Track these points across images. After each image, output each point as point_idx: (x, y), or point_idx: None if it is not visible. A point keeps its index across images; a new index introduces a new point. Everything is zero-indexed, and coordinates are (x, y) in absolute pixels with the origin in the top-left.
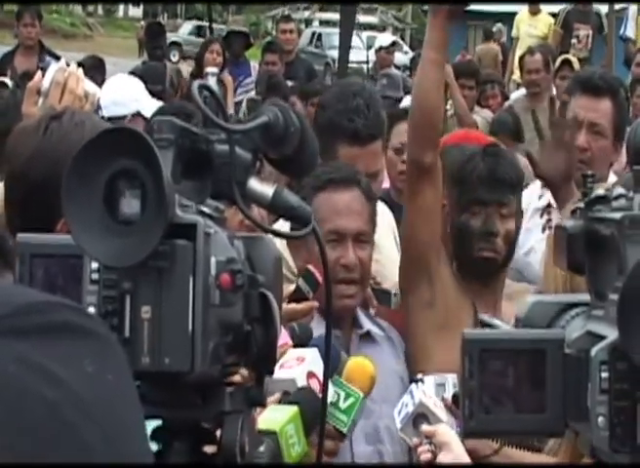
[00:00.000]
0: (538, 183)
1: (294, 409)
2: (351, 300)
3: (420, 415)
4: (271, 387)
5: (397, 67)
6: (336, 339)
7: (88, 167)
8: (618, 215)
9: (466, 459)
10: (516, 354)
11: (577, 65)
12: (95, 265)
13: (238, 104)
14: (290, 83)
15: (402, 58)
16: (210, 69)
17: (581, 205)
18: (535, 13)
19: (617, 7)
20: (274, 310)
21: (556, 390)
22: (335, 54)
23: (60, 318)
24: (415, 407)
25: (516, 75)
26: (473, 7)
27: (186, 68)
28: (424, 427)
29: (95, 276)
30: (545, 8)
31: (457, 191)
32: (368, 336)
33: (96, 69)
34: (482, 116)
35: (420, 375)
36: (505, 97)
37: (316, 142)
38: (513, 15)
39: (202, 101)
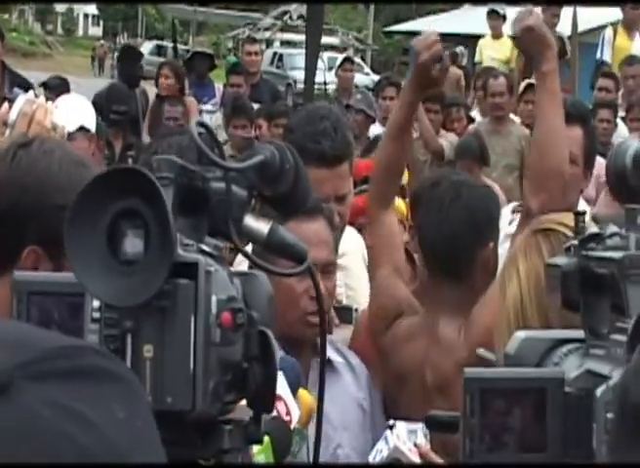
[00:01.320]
0: (508, 208)
1: (265, 439)
2: (315, 330)
3: (395, 460)
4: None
5: (356, 87)
6: (294, 364)
7: (91, 206)
8: (617, 255)
9: None
10: (517, 393)
11: None
12: (96, 304)
13: None
14: (255, 105)
15: (363, 78)
16: (204, 106)
17: (575, 242)
18: (497, 37)
19: (580, 29)
20: (273, 348)
21: (556, 429)
22: (296, 74)
23: (87, 362)
24: (390, 451)
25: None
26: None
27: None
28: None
29: (96, 314)
30: (508, 31)
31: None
32: (328, 364)
33: (60, 89)
34: (448, 140)
35: (391, 422)
36: (471, 120)
37: (308, 180)
38: (474, 37)
39: (199, 139)
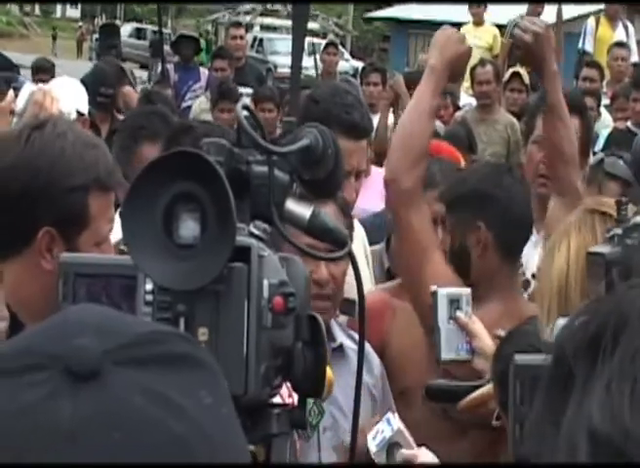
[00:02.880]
0: None
1: None
2: (323, 316)
3: (395, 444)
4: None
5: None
6: None
7: (148, 189)
8: None
9: None
10: None
11: (526, 78)
12: (149, 287)
13: (187, 109)
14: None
15: (343, 64)
16: (243, 89)
17: (618, 231)
18: (479, 24)
19: (565, 17)
20: (323, 333)
21: None
22: (276, 59)
23: (174, 348)
24: (393, 433)
25: (465, 86)
26: (415, 16)
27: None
28: (404, 451)
29: (149, 297)
30: (489, 18)
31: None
32: (339, 349)
33: (46, 71)
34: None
35: (433, 288)
36: (457, 108)
37: (344, 166)
38: (455, 25)
39: (245, 121)
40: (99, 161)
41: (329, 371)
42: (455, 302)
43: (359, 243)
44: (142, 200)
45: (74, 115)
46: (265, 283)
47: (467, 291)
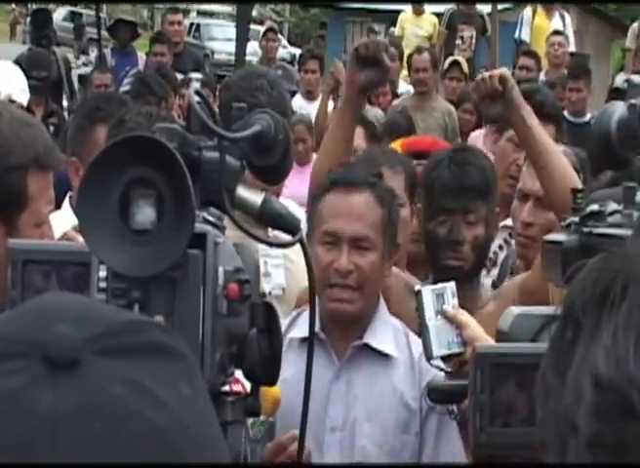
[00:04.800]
0: None
1: None
2: (345, 305)
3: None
4: None
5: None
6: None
7: (103, 174)
8: (622, 232)
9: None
10: (526, 368)
11: (465, 67)
12: (102, 274)
13: (125, 94)
14: (178, 75)
15: (281, 51)
16: (194, 75)
17: (575, 219)
18: (419, 13)
19: (499, 7)
20: (278, 320)
21: None
22: (214, 45)
23: (152, 338)
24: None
25: (403, 73)
26: (353, 3)
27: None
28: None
29: (102, 284)
30: (429, 8)
31: (425, 199)
32: (385, 357)
33: None
34: (371, 114)
35: (417, 287)
36: (395, 95)
37: (293, 152)
38: (392, 13)
39: (198, 107)
40: (36, 140)
41: (276, 390)
42: (440, 297)
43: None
44: (98, 185)
45: (18, 96)
46: (221, 270)
47: (451, 284)
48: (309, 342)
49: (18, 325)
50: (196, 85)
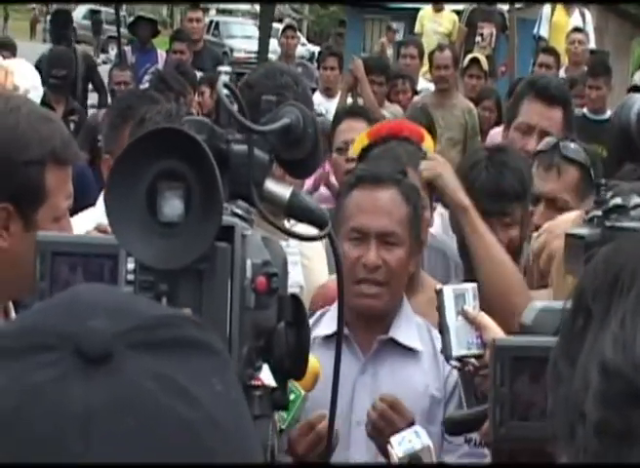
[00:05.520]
0: None
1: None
2: (372, 301)
3: (418, 457)
4: None
5: None
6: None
7: (131, 166)
8: None
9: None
10: (546, 362)
11: (485, 64)
12: (130, 266)
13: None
14: (198, 73)
15: (300, 49)
16: (223, 68)
17: (598, 213)
18: (438, 10)
19: (517, 5)
20: (305, 313)
21: None
22: (233, 43)
23: (186, 333)
24: (422, 447)
25: (423, 70)
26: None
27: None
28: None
29: (130, 277)
30: (449, 5)
31: None
32: (410, 351)
33: (8, 48)
34: (390, 111)
35: (439, 286)
36: (415, 92)
37: (322, 146)
38: (410, 11)
39: (227, 100)
40: (54, 134)
41: (317, 366)
42: (461, 297)
43: (322, 248)
44: (126, 178)
45: (35, 92)
46: (249, 263)
47: (473, 285)
48: (338, 336)
49: (50, 317)
50: (225, 78)
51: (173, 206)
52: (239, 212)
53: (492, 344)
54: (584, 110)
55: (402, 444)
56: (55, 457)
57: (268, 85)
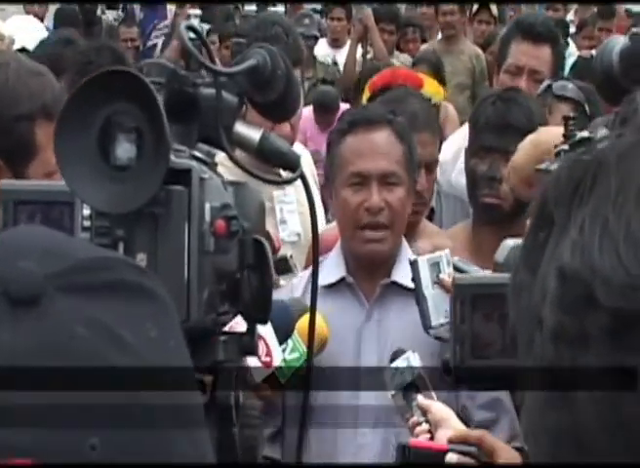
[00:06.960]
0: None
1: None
2: (377, 245)
3: (414, 386)
4: None
5: None
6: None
7: (81, 110)
8: None
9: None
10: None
11: (495, 10)
12: (86, 212)
13: (152, 48)
14: (206, 26)
15: None
16: (192, 11)
17: (565, 147)
18: None
19: None
20: (269, 257)
21: None
22: None
23: (120, 276)
24: (413, 377)
25: None
26: None
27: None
28: (420, 400)
29: (86, 223)
30: None
31: (469, 137)
32: (395, 286)
33: None
34: (400, 61)
35: (412, 257)
36: (424, 41)
37: (299, 87)
38: None
39: (190, 43)
40: (45, 88)
41: (325, 329)
42: (435, 266)
43: (306, 168)
44: (76, 121)
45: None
46: (207, 206)
47: (446, 251)
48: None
49: None
50: (194, 21)
51: (125, 149)
52: (199, 154)
53: (452, 282)
54: (593, 52)
55: (394, 378)
56: None
57: (257, 36)
